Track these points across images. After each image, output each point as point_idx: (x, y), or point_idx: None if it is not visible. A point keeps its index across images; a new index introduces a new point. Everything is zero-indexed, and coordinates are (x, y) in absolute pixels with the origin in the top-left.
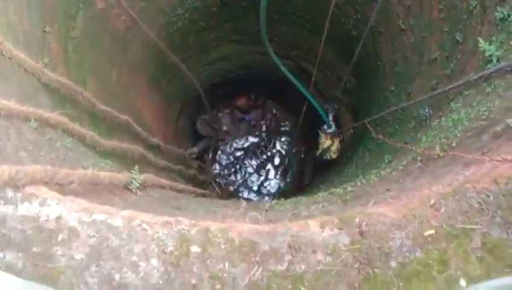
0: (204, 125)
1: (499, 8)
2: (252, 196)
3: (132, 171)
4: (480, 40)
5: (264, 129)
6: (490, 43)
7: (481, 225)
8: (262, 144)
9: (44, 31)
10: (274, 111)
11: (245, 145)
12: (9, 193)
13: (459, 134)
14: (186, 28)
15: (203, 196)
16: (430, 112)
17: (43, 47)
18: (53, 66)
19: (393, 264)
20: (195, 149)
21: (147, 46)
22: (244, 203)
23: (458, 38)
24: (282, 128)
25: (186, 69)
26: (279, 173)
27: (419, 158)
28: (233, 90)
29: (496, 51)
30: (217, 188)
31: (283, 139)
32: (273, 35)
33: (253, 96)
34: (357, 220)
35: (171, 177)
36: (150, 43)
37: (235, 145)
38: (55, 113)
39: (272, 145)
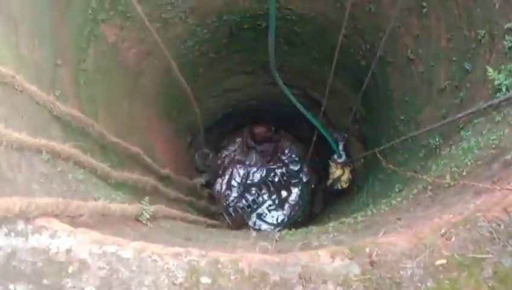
0: (201, 160)
1: (507, 37)
2: (263, 226)
3: (142, 202)
4: (489, 69)
5: (275, 161)
6: (499, 72)
7: (492, 254)
8: (273, 174)
9: (56, 64)
10: (286, 147)
11: (256, 176)
12: (20, 225)
13: (469, 163)
14: (196, 59)
15: (214, 226)
16: (440, 140)
17: (55, 79)
18: (65, 99)
19: None
20: (202, 180)
21: (158, 78)
22: (254, 233)
23: (467, 67)
24: (293, 159)
25: (194, 101)
26: (289, 203)
27: (429, 187)
28: (244, 121)
29: (505, 80)
30: (227, 219)
31: (293, 170)
32: (282, 65)
33: (273, 128)
34: (367, 250)
35: (181, 208)
36: (161, 75)
37: (246, 176)
38: (67, 146)
39: (282, 176)
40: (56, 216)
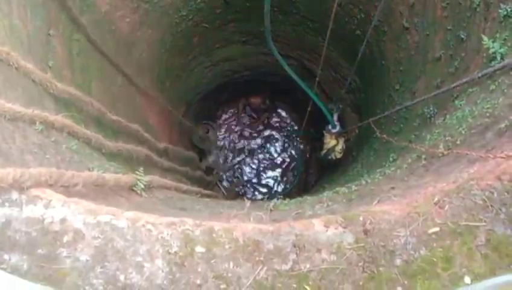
0: (201, 141)
1: (502, 5)
2: (257, 196)
3: (137, 172)
4: (484, 38)
5: (269, 130)
6: (494, 41)
7: (485, 222)
8: (268, 145)
9: (49, 34)
10: (281, 114)
11: (251, 146)
12: (14, 195)
13: (463, 132)
14: (190, 29)
15: (209, 196)
16: (435, 110)
17: (48, 50)
18: (58, 69)
19: (397, 262)
20: (209, 160)
21: (152, 48)
22: (248, 203)
23: (462, 36)
24: (287, 129)
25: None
26: (284, 173)
27: (423, 156)
28: (239, 91)
29: (500, 48)
30: (222, 189)
31: (288, 139)
32: (277, 35)
33: (268, 101)
34: (361, 218)
35: (176, 178)
36: (155, 45)
37: (241, 146)
38: (60, 116)
39: (277, 146)
40: (50, 186)
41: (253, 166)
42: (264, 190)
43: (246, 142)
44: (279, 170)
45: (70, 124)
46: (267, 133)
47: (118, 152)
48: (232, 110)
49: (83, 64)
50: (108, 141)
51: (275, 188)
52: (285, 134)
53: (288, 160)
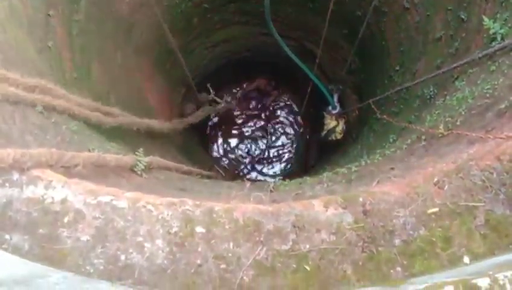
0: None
1: None
2: (257, 177)
3: (137, 153)
4: (485, 18)
5: (271, 111)
6: (495, 21)
7: (485, 202)
8: (269, 125)
9: (48, 15)
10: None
11: (251, 127)
12: (15, 175)
13: (463, 112)
14: (189, 10)
15: (208, 177)
16: (435, 91)
17: (48, 31)
18: (57, 50)
19: (397, 242)
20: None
21: (152, 29)
22: (248, 184)
23: (463, 16)
24: (288, 110)
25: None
26: (284, 154)
27: (423, 137)
28: (238, 72)
29: (501, 28)
30: (220, 171)
31: (288, 120)
32: (277, 16)
33: (273, 82)
34: (360, 199)
35: (177, 160)
36: (155, 26)
37: (241, 127)
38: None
39: (277, 127)
40: (51, 167)
41: (253, 147)
42: (263, 171)
43: (245, 123)
44: (278, 150)
45: (69, 106)
46: (267, 114)
47: (119, 126)
48: (232, 92)
49: (82, 44)
50: (108, 118)
51: (275, 169)
52: (285, 114)
53: (288, 141)
